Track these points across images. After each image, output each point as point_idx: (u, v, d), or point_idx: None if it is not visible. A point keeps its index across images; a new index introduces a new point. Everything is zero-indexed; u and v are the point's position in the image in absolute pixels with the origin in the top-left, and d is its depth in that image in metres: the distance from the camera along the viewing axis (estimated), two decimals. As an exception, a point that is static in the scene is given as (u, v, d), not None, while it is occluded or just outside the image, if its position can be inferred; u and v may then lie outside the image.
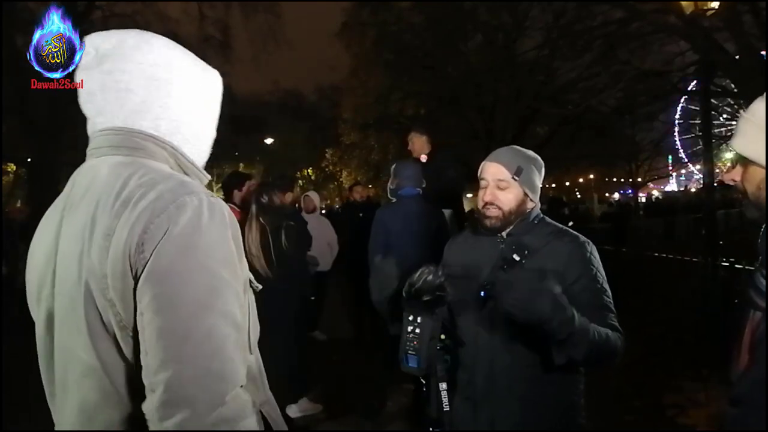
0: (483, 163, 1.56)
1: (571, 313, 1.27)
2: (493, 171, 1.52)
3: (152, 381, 0.73)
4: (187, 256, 0.77)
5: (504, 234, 1.55)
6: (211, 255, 0.79)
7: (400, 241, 3.11)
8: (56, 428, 0.89)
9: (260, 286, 0.96)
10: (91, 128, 0.92)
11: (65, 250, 0.83)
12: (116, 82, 0.87)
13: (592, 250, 1.50)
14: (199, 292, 0.76)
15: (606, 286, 1.47)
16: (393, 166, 3.45)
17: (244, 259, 0.90)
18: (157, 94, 0.89)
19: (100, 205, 0.81)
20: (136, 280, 0.76)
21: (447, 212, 3.71)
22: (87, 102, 0.89)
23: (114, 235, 0.77)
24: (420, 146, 4.02)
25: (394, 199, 3.34)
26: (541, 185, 1.58)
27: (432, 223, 3.17)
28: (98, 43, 0.90)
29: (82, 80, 0.89)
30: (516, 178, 1.49)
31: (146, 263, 0.76)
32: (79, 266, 0.80)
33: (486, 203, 1.52)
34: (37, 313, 0.88)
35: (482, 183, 1.55)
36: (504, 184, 1.50)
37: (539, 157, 1.59)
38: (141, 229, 0.76)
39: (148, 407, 0.74)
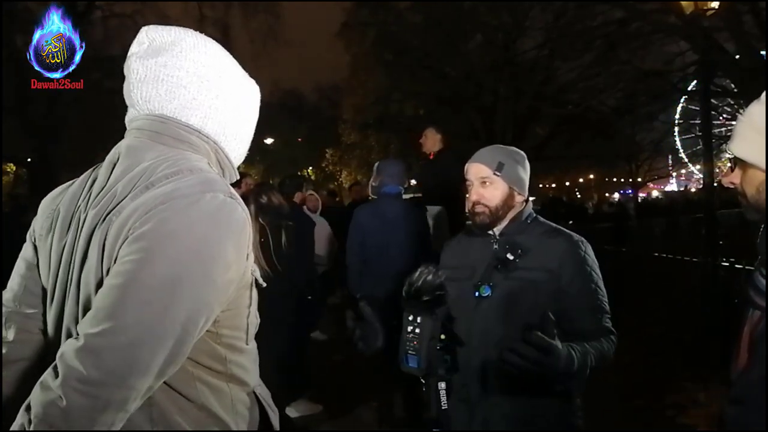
0: (466, 164, 1.58)
1: (569, 354, 1.25)
2: (475, 170, 1.54)
3: (79, 329, 0.75)
4: (169, 244, 0.77)
5: (497, 234, 1.55)
6: (196, 252, 0.78)
7: (375, 240, 3.11)
8: None
9: (265, 284, 0.99)
10: (132, 113, 0.95)
11: (90, 229, 0.85)
12: (170, 76, 0.90)
13: (587, 248, 1.49)
14: (163, 280, 0.75)
15: (601, 285, 1.47)
16: (376, 165, 3.47)
17: (247, 260, 0.91)
18: (207, 94, 0.93)
19: (128, 189, 0.84)
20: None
21: (437, 209, 3.72)
22: (135, 89, 0.91)
23: (122, 213, 0.80)
24: (432, 143, 4.05)
25: (376, 197, 3.35)
26: (528, 180, 1.59)
27: (410, 221, 3.13)
28: (154, 36, 0.92)
29: (131, 68, 0.91)
30: (498, 173, 1.51)
31: (134, 236, 0.77)
32: (94, 242, 0.82)
33: (473, 203, 1.53)
34: (59, 281, 0.89)
35: (467, 183, 1.57)
36: (487, 181, 1.52)
37: (522, 152, 1.59)
38: (144, 211, 0.78)
39: (63, 349, 0.74)
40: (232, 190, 0.89)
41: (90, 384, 0.70)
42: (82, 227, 0.86)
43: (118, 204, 0.82)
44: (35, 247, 0.97)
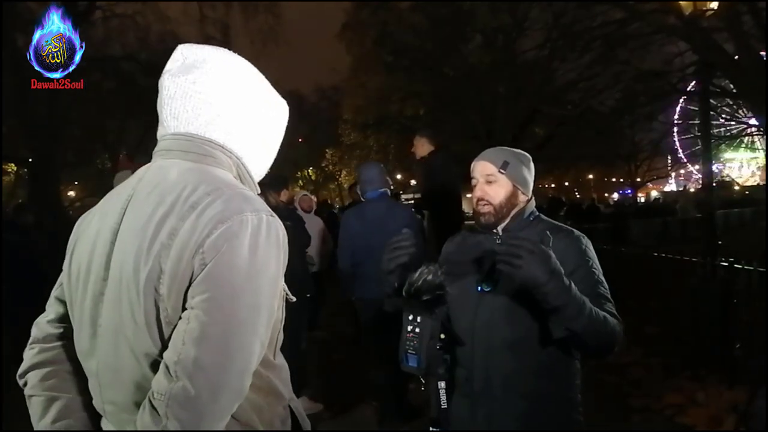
0: (472, 163, 1.61)
1: (568, 282, 1.28)
2: (480, 168, 1.58)
3: (178, 369, 0.77)
4: (243, 272, 0.82)
5: (500, 230, 1.57)
6: (262, 274, 0.85)
7: (361, 242, 3.11)
8: (99, 403, 0.93)
9: (294, 298, 1.03)
10: (162, 130, 0.98)
11: (125, 241, 0.87)
12: (198, 92, 0.93)
13: (587, 243, 1.52)
14: (246, 308, 0.83)
15: (602, 278, 1.49)
16: (357, 170, 3.47)
17: (283, 273, 0.95)
18: (232, 111, 0.96)
19: (166, 205, 0.86)
20: (191, 281, 0.82)
21: (426, 213, 3.72)
22: (166, 105, 0.95)
23: (178, 236, 0.82)
24: (420, 147, 4.06)
25: (362, 201, 3.36)
26: (532, 181, 1.61)
27: (393, 222, 3.09)
28: (188, 53, 0.96)
29: (163, 84, 0.95)
30: (503, 171, 1.54)
31: (205, 267, 0.81)
32: (136, 259, 0.84)
33: (478, 200, 1.56)
34: (81, 291, 0.92)
35: (473, 182, 1.60)
36: (492, 179, 1.55)
37: (527, 154, 1.63)
38: (205, 234, 0.82)
39: (163, 386, 0.77)
40: (267, 206, 0.92)
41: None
42: (113, 242, 0.89)
43: (165, 224, 0.84)
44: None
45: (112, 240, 0.89)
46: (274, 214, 0.90)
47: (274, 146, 1.07)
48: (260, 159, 1.04)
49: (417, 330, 1.36)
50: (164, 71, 0.96)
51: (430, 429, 1.43)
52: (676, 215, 16.68)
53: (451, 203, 3.96)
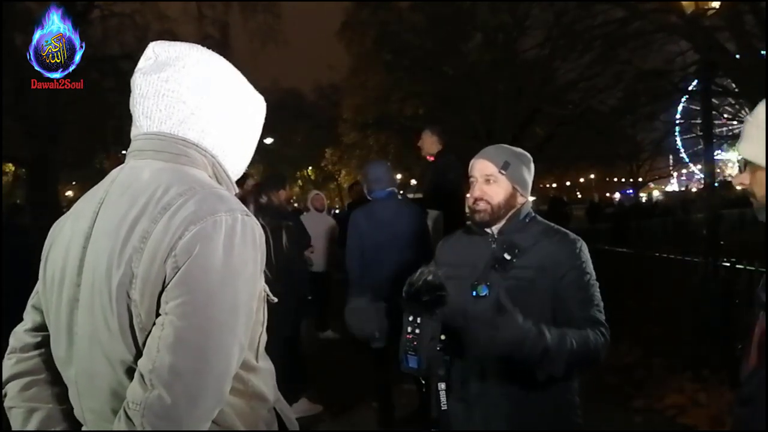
0: (472, 161, 1.59)
1: (539, 329, 1.29)
2: (480, 167, 1.55)
3: (153, 377, 0.75)
4: (218, 274, 0.80)
5: (495, 233, 1.56)
6: (238, 275, 0.83)
7: (372, 242, 3.08)
8: (79, 411, 0.91)
9: (276, 299, 1.00)
10: (135, 130, 0.96)
11: (98, 245, 0.85)
12: (171, 90, 0.91)
13: (582, 246, 1.51)
14: (223, 311, 0.80)
15: (593, 281, 1.49)
16: (363, 170, 3.44)
17: (262, 274, 0.92)
18: (207, 109, 0.94)
19: (138, 207, 0.84)
20: (164, 285, 0.79)
21: (436, 213, 3.71)
22: (138, 104, 0.93)
23: (150, 239, 0.80)
24: (429, 145, 4.01)
25: (370, 200, 3.34)
26: (531, 182, 1.60)
27: (403, 222, 3.09)
28: (160, 51, 0.94)
29: (135, 83, 0.93)
30: (503, 172, 1.52)
31: (178, 270, 0.78)
32: (109, 263, 0.82)
33: (475, 199, 1.54)
34: (56, 298, 0.90)
35: (471, 180, 1.58)
36: (492, 179, 1.53)
37: (528, 154, 1.61)
38: (177, 237, 0.79)
39: (138, 396, 0.75)
40: (243, 205, 0.90)
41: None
42: (86, 246, 0.87)
43: (137, 227, 0.82)
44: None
45: (84, 244, 0.87)
46: (249, 213, 0.88)
47: (251, 143, 1.04)
48: (237, 157, 1.01)
49: (417, 331, 1.35)
50: (136, 69, 0.94)
51: (431, 430, 1.42)
52: (693, 215, 16.57)
53: (455, 204, 3.94)
